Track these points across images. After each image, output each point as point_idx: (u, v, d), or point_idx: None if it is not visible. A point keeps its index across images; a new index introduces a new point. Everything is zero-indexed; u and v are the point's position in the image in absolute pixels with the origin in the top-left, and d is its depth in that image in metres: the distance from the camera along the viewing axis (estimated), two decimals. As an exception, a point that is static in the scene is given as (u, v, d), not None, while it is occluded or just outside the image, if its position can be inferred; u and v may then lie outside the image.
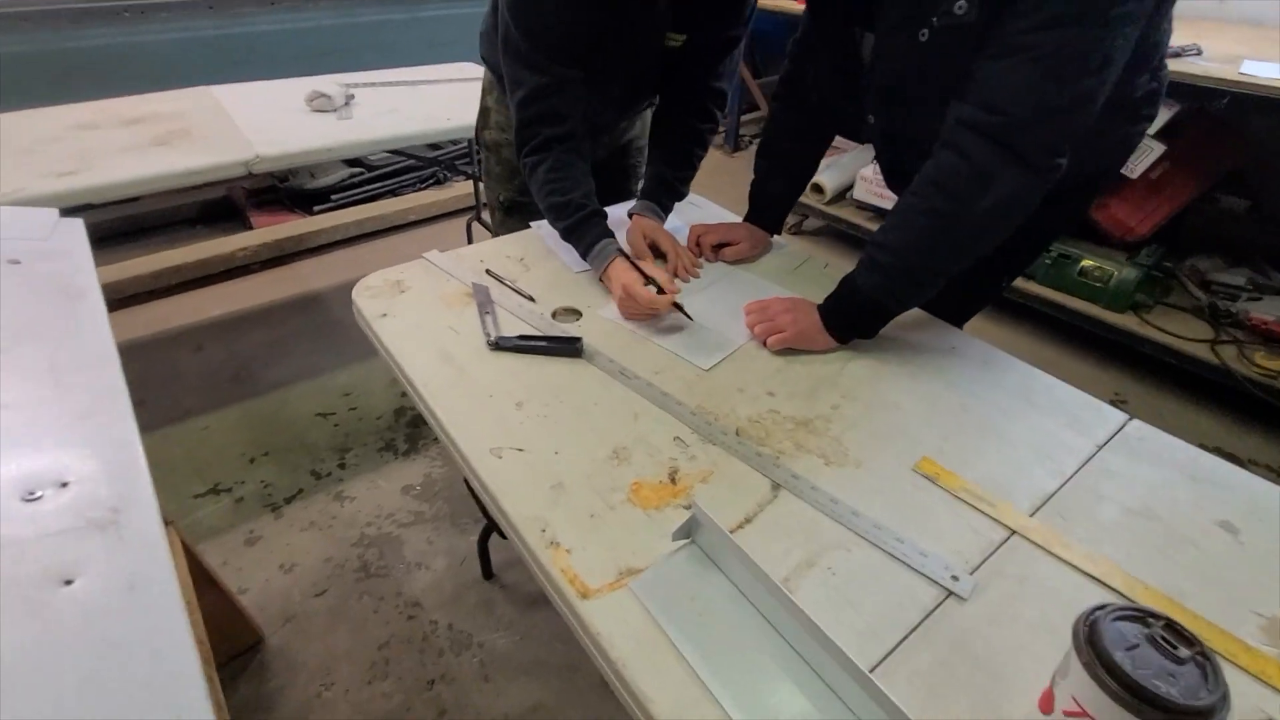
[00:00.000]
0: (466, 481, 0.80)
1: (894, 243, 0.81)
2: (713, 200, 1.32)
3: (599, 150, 1.27)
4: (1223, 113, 1.82)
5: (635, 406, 0.80)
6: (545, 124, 0.98)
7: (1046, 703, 0.49)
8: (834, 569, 0.61)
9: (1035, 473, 0.72)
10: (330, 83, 1.75)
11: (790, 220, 2.76)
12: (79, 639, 0.45)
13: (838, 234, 2.68)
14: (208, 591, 1.13)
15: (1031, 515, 0.67)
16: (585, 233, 0.99)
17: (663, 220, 1.14)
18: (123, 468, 0.57)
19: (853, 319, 0.88)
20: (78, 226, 0.87)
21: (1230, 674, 0.48)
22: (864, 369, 0.87)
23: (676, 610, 0.57)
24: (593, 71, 0.98)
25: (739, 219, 1.23)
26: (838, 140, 1.32)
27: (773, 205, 1.12)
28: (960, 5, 0.70)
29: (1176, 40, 1.79)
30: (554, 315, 0.96)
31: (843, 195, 2.65)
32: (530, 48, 0.93)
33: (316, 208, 2.69)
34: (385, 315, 0.94)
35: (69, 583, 0.48)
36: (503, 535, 0.74)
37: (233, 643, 1.22)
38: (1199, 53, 1.73)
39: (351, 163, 2.80)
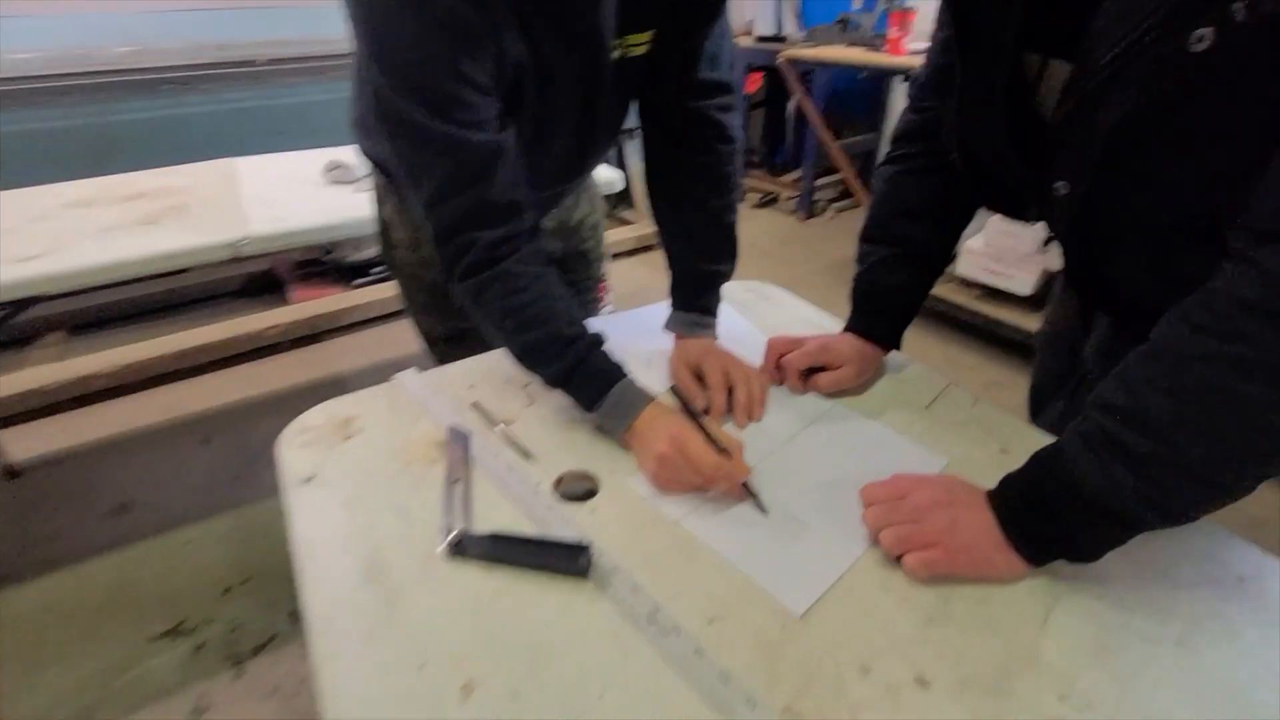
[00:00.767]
0: None
1: (1159, 416, 0.44)
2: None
3: (546, 242, 0.96)
4: None
5: (671, 707, 0.44)
6: (479, 223, 0.63)
7: None
8: None
9: None
10: (351, 152, 1.55)
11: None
12: None
13: (936, 315, 2.26)
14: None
15: None
16: (588, 375, 0.66)
17: (712, 332, 0.80)
18: None
19: (1060, 531, 0.50)
20: None
21: None
22: (1087, 623, 0.49)
23: None
24: (536, 107, 0.67)
25: (830, 322, 0.88)
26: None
27: (890, 308, 0.77)
28: None
29: None
30: (556, 485, 0.63)
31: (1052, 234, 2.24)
32: (426, 113, 0.58)
33: (356, 281, 2.53)
34: (311, 480, 0.63)
35: None
36: None
37: None
38: None
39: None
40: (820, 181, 3.48)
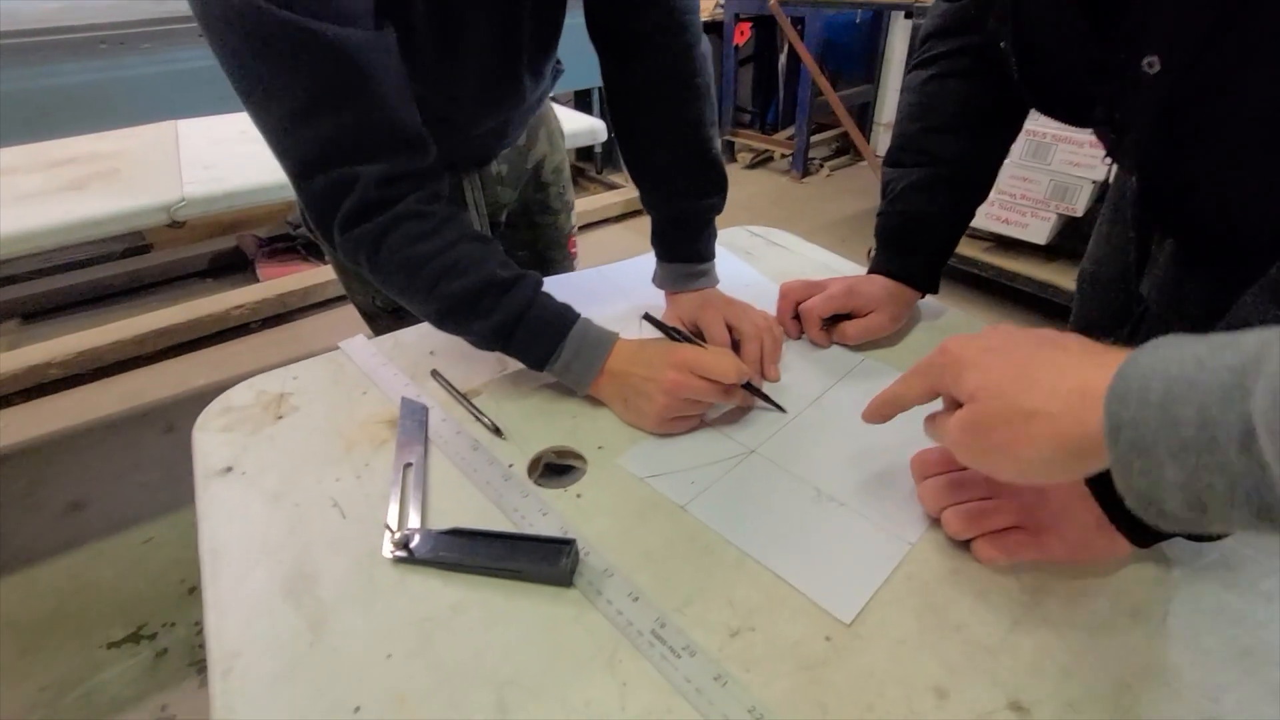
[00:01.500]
0: None
1: None
2: (781, 228, 0.86)
3: (496, 191, 0.81)
4: None
5: (688, 750, 0.33)
6: (358, 154, 0.48)
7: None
8: None
9: None
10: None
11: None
12: None
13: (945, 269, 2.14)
14: None
15: None
16: (536, 323, 0.53)
17: (710, 280, 0.68)
18: None
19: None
20: None
21: None
22: (1224, 622, 0.38)
23: None
24: (429, 19, 0.53)
25: (851, 268, 0.76)
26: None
27: (926, 242, 0.65)
28: None
29: None
30: (533, 467, 0.51)
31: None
32: (282, 6, 0.42)
33: (328, 256, 2.38)
34: (228, 471, 0.51)
35: None
36: None
37: None
38: None
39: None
40: (815, 138, 3.33)
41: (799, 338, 0.65)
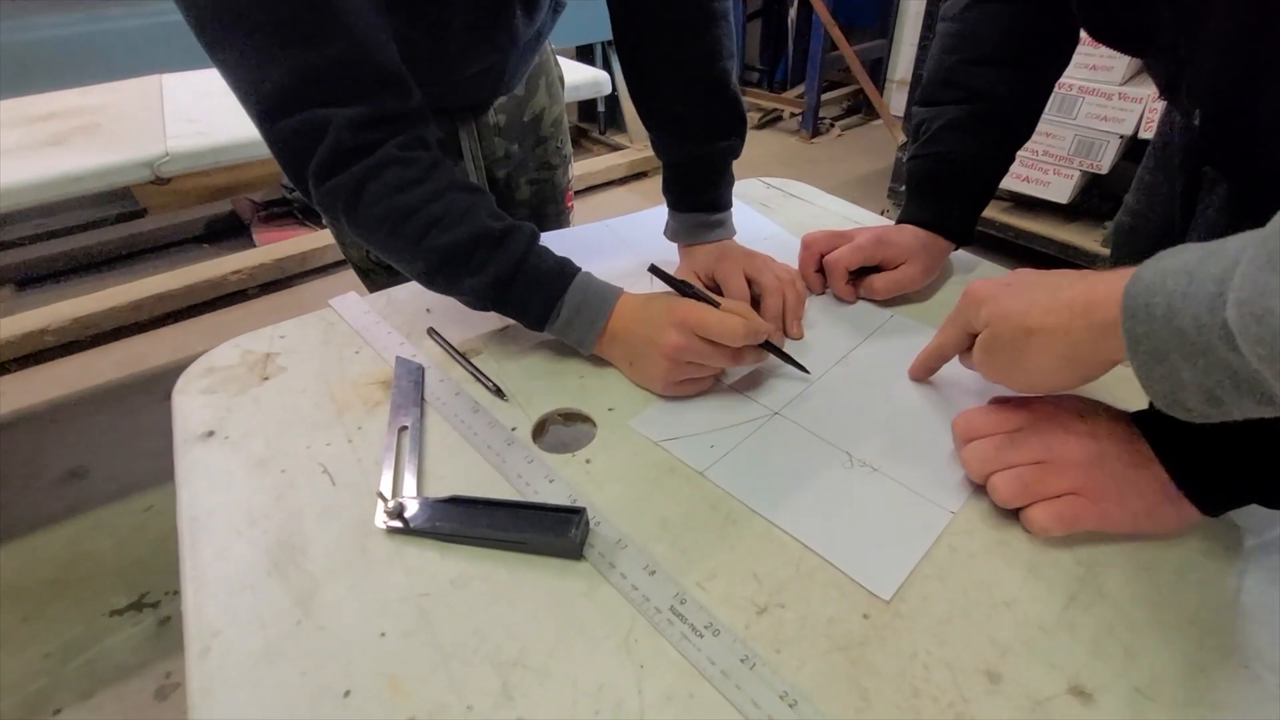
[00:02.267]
0: None
1: None
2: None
3: (492, 144, 0.77)
4: None
5: (713, 739, 0.30)
6: (331, 95, 0.43)
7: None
8: None
9: None
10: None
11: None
12: None
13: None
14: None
15: None
16: (534, 278, 0.48)
17: (727, 230, 0.62)
18: None
19: (1258, 463, 0.34)
20: None
21: None
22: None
23: None
24: None
25: (880, 220, 0.71)
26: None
27: (962, 189, 0.59)
28: None
29: None
30: (538, 430, 0.48)
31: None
32: None
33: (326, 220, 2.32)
34: (211, 435, 0.48)
35: None
36: None
37: None
38: None
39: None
40: (826, 96, 3.22)
41: (823, 292, 0.61)
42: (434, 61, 0.59)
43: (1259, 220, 0.34)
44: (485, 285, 0.48)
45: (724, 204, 0.62)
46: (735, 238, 0.63)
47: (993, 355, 0.40)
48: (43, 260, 2.28)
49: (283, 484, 0.43)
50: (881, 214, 0.76)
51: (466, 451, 0.45)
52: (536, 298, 0.49)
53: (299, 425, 0.48)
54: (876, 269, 0.58)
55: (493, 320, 0.57)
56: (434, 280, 0.50)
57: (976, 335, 0.41)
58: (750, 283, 0.56)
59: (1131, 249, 0.78)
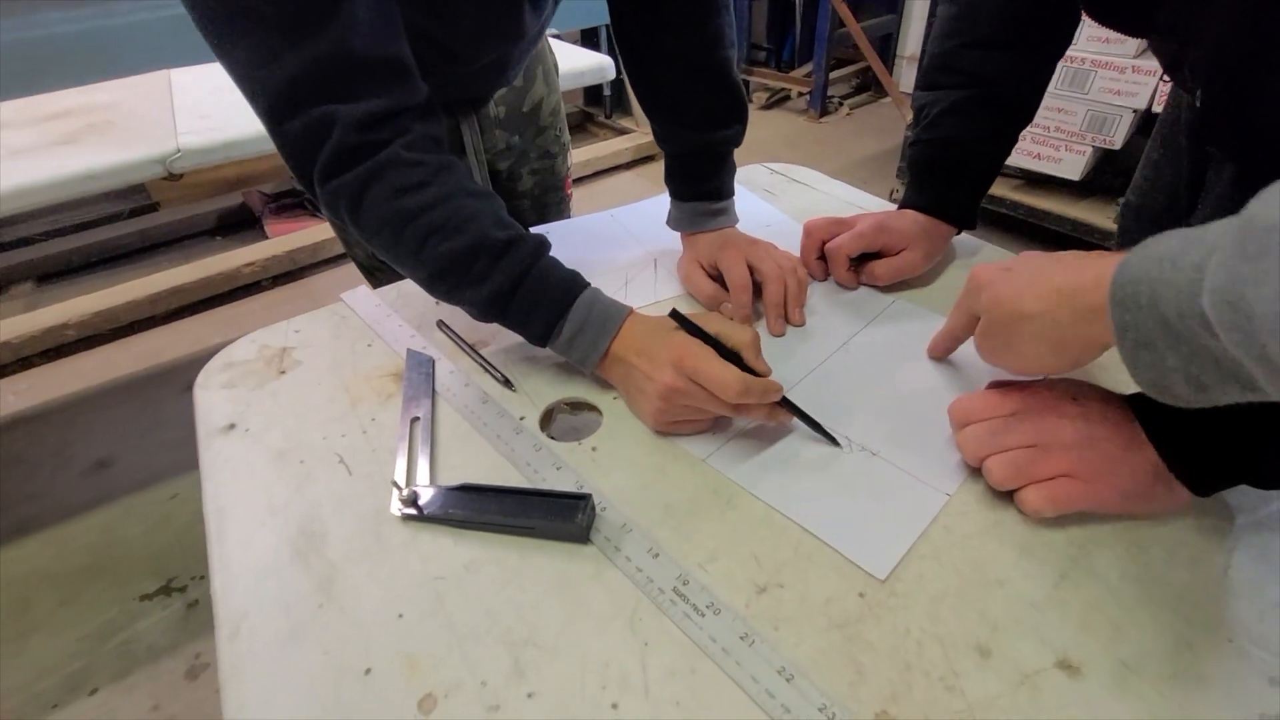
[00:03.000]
0: None
1: None
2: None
3: (492, 136, 0.77)
4: None
5: (719, 709, 0.31)
6: (335, 91, 0.42)
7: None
8: None
9: None
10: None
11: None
12: None
13: (970, 210, 2.06)
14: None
15: None
16: (538, 291, 0.47)
17: (729, 219, 0.63)
18: None
19: (1249, 444, 0.35)
20: None
21: None
22: (1274, 570, 0.35)
23: None
24: None
25: (880, 206, 0.72)
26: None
27: (963, 173, 0.60)
28: None
29: None
30: (545, 419, 0.49)
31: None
32: None
33: (335, 210, 2.34)
34: (232, 428, 0.50)
35: None
36: None
37: None
38: None
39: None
40: (834, 75, 3.17)
41: (825, 279, 0.61)
42: (443, 54, 0.60)
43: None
44: (484, 298, 0.46)
45: (726, 192, 0.62)
46: (739, 225, 0.64)
47: (989, 339, 0.42)
48: (61, 255, 2.32)
49: (301, 475, 0.45)
50: (890, 195, 0.76)
51: (477, 440, 0.47)
52: (537, 313, 0.47)
53: (315, 417, 0.49)
54: (878, 255, 0.59)
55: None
56: (435, 288, 0.49)
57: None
58: (752, 270, 0.57)
59: (1139, 229, 0.77)
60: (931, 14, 1.82)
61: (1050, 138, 1.77)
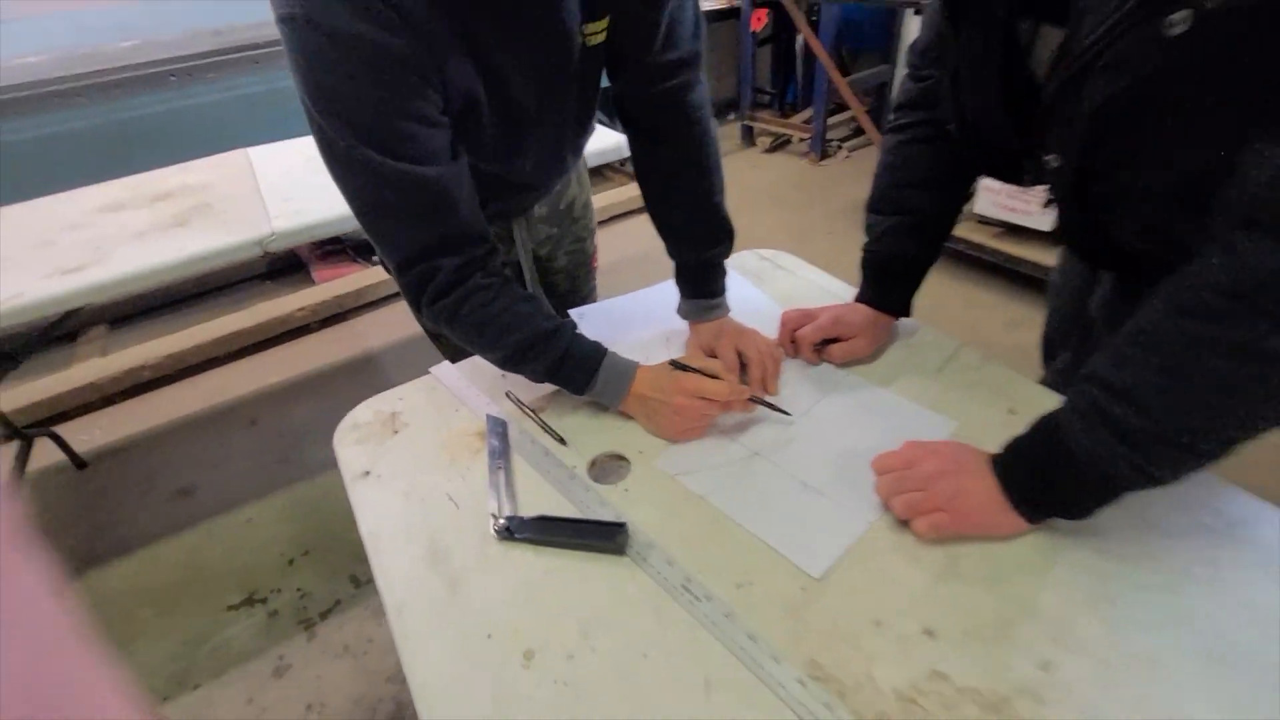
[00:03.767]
0: None
1: (1145, 392, 0.47)
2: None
3: (537, 229, 0.99)
4: None
5: (707, 665, 0.50)
6: (442, 253, 0.65)
7: None
8: None
9: None
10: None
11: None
12: None
13: (956, 255, 2.24)
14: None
15: None
16: (576, 361, 0.70)
17: (723, 310, 0.83)
18: None
19: (1055, 494, 0.54)
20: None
21: None
22: (1082, 572, 0.53)
23: None
24: (499, 128, 0.68)
25: (841, 287, 0.91)
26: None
27: (901, 277, 0.79)
28: None
29: None
30: (591, 468, 0.69)
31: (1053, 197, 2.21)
32: (374, 152, 0.58)
33: (375, 257, 2.57)
34: (368, 475, 0.70)
35: None
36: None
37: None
38: None
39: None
40: (833, 120, 3.39)
41: (795, 357, 0.81)
42: (510, 187, 0.81)
43: (1142, 295, 0.52)
44: (543, 370, 0.70)
45: (719, 291, 0.82)
46: (734, 308, 0.84)
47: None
48: (129, 301, 2.57)
49: (424, 509, 0.65)
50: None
51: (543, 484, 0.66)
52: (578, 375, 0.70)
53: (426, 467, 0.69)
54: (836, 339, 0.78)
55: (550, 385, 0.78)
56: (506, 365, 0.72)
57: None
58: (740, 353, 0.77)
59: (1055, 306, 0.96)
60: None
61: (1024, 193, 1.96)
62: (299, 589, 1.43)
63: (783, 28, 3.60)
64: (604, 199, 2.87)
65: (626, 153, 1.63)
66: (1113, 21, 0.45)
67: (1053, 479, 0.53)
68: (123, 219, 1.39)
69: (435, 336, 1.06)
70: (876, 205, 0.79)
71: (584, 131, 0.82)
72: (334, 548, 1.52)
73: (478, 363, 0.84)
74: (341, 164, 0.60)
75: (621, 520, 0.60)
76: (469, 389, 0.79)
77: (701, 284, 0.81)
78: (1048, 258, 1.99)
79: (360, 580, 1.44)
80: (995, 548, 0.56)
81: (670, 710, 0.47)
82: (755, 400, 0.70)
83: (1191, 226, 0.50)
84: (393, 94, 0.57)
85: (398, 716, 1.19)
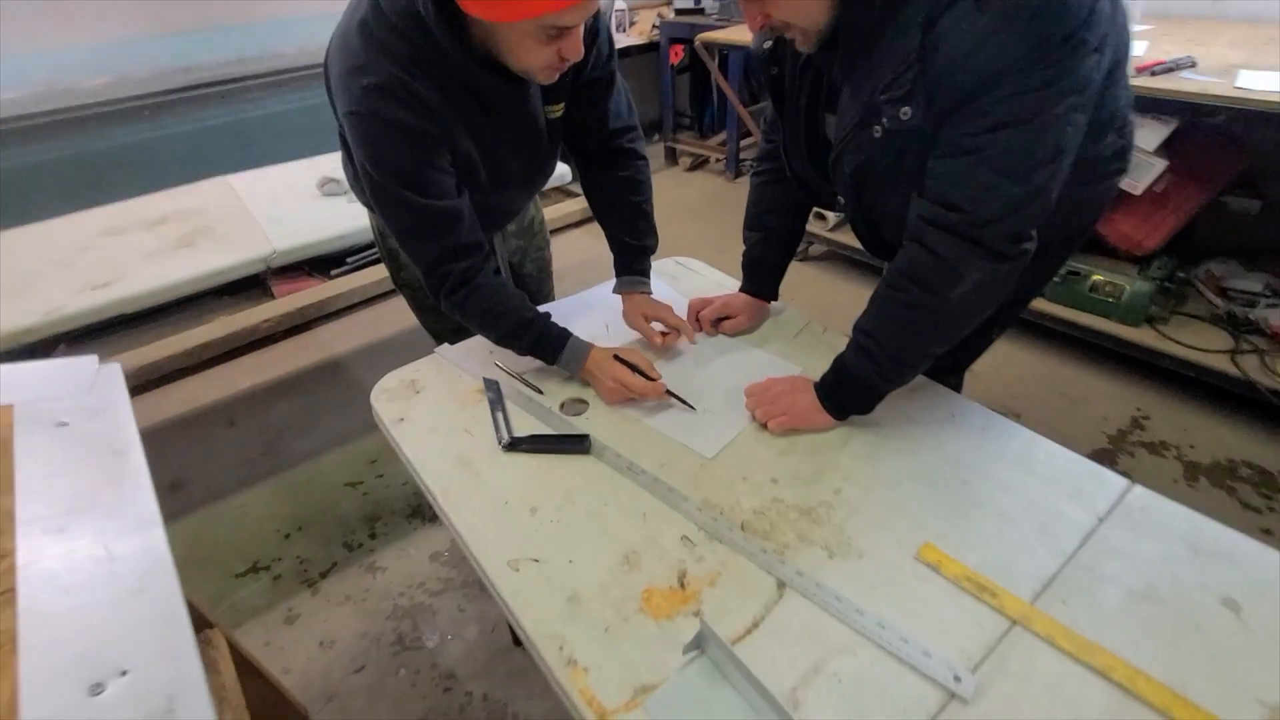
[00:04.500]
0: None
1: (878, 331, 0.84)
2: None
3: (509, 241, 1.32)
4: (1224, 123, 1.80)
5: (644, 504, 0.83)
6: (453, 260, 0.94)
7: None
8: (840, 675, 0.64)
9: (1037, 552, 0.74)
10: (338, 164, 1.82)
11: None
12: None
13: (842, 258, 2.70)
14: (253, 683, 1.18)
15: (1034, 602, 0.69)
16: (548, 341, 1.00)
17: (648, 287, 1.16)
18: (174, 647, 0.57)
19: (847, 399, 0.90)
20: (115, 374, 0.92)
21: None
22: (864, 446, 0.89)
23: (690, 729, 0.60)
24: (489, 176, 0.98)
25: (732, 283, 1.27)
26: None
27: (768, 274, 1.15)
28: (905, 111, 0.73)
29: (1169, 51, 1.80)
30: (562, 408, 1.00)
31: (845, 221, 2.66)
32: (412, 193, 0.88)
33: (334, 272, 2.78)
34: (403, 420, 0.99)
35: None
36: (521, 645, 0.78)
37: (280, 727, 1.27)
38: (1193, 65, 1.72)
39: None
40: (745, 142, 3.82)
41: (699, 331, 1.15)
42: (494, 213, 1.12)
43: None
44: (525, 347, 1.01)
45: (647, 273, 1.16)
46: (654, 294, 1.17)
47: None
48: (85, 313, 2.66)
49: (449, 438, 0.94)
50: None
51: (529, 418, 0.97)
52: (549, 352, 1.01)
53: (445, 413, 0.99)
54: (726, 318, 1.13)
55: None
56: (499, 342, 1.03)
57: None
58: (661, 320, 1.10)
59: None
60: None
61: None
62: (298, 556, 1.66)
63: (699, 59, 4.01)
64: (549, 212, 3.17)
65: (569, 179, 1.96)
66: (849, 127, 0.81)
67: (844, 390, 0.89)
68: (129, 241, 1.60)
69: (436, 335, 1.35)
70: (749, 225, 1.15)
71: (547, 174, 1.15)
72: (325, 521, 1.75)
73: (471, 345, 1.14)
74: (388, 203, 0.90)
75: (586, 434, 0.92)
76: (467, 360, 1.09)
77: (636, 265, 1.15)
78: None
79: (353, 545, 1.68)
80: (817, 437, 0.92)
81: (623, 530, 0.80)
82: (669, 394, 0.99)
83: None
84: (422, 154, 0.88)
85: (398, 644, 1.45)
